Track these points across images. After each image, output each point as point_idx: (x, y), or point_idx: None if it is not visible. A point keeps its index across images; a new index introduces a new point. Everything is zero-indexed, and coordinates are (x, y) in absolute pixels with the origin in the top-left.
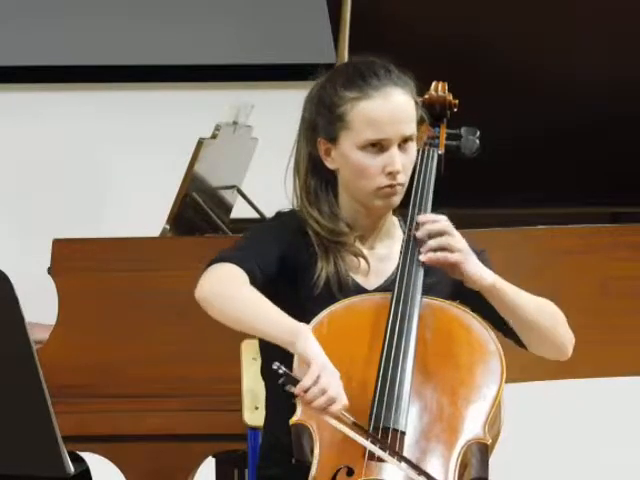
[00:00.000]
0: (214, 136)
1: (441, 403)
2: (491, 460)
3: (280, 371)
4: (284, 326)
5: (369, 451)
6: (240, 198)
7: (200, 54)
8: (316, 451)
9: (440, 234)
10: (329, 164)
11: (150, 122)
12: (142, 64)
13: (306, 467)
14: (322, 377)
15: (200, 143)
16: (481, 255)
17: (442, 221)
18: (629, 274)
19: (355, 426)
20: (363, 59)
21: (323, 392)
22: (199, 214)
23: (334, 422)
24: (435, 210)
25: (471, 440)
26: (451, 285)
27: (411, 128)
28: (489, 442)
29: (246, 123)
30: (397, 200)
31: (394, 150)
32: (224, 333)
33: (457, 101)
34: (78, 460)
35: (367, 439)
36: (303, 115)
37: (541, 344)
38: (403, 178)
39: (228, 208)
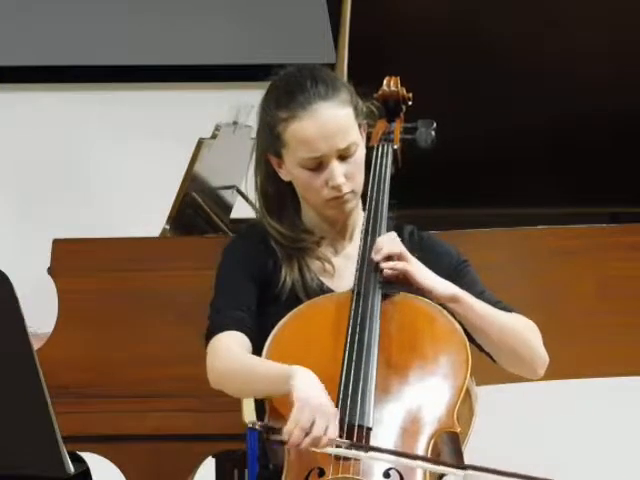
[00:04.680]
0: (214, 136)
1: (408, 395)
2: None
3: (257, 427)
4: (280, 379)
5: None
6: (240, 198)
7: (200, 54)
8: (286, 455)
9: (390, 258)
10: (283, 176)
11: (150, 122)
12: (142, 64)
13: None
14: (303, 416)
15: (200, 143)
16: (461, 265)
17: (386, 243)
18: (628, 274)
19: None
20: (294, 70)
21: (306, 432)
22: (199, 214)
23: (335, 450)
24: (394, 207)
25: (440, 429)
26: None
27: (346, 140)
28: (458, 430)
29: (246, 123)
30: (351, 206)
31: (333, 164)
32: None
33: (411, 94)
34: (78, 460)
35: (331, 445)
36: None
37: (508, 362)
38: (350, 187)
39: (228, 208)
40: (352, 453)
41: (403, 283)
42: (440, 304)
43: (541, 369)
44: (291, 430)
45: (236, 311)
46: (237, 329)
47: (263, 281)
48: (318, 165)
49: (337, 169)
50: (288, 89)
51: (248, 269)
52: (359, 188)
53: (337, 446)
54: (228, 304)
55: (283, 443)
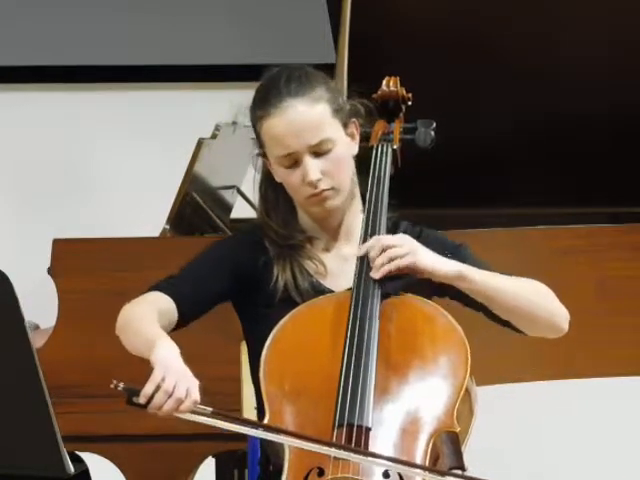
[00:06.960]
0: (214, 136)
1: (407, 395)
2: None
3: (119, 388)
4: (147, 343)
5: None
6: (240, 198)
7: (200, 54)
8: (286, 455)
9: (383, 250)
10: (275, 177)
11: (150, 122)
12: (142, 64)
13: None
14: (166, 379)
15: (200, 143)
16: (459, 249)
17: (379, 239)
18: (628, 274)
19: (271, 426)
20: (276, 70)
21: (169, 394)
22: (199, 214)
23: (195, 417)
24: (393, 206)
25: (439, 429)
26: (428, 285)
27: (318, 136)
28: (458, 430)
29: (246, 123)
30: (334, 203)
31: (306, 160)
32: (224, 333)
33: (410, 94)
34: (77, 460)
35: (330, 447)
36: None
37: (531, 325)
38: (328, 183)
39: (228, 208)
40: (348, 455)
41: (404, 272)
42: (449, 284)
43: (564, 324)
44: (152, 392)
45: (184, 284)
46: (170, 296)
47: (250, 278)
48: (293, 162)
49: (310, 165)
50: (265, 89)
51: (228, 259)
52: (341, 185)
53: (202, 413)
54: (183, 275)
55: (145, 406)
